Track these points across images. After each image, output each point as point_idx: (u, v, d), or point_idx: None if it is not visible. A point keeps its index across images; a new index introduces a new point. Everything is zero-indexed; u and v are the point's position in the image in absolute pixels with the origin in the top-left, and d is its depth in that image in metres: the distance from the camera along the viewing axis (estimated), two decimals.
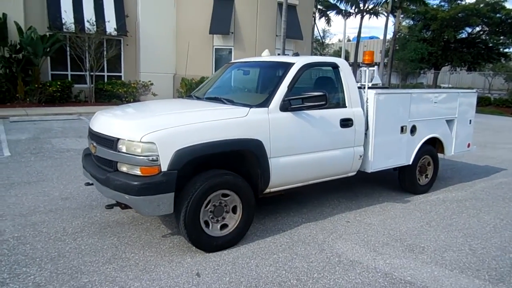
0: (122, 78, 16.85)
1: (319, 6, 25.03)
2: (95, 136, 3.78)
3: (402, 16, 29.84)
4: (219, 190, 3.57)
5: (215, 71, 17.16)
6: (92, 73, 15.05)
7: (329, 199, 5.23)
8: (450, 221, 4.62)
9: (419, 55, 26.86)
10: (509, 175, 6.99)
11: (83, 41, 14.53)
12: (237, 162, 3.85)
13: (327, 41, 40.01)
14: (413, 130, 5.19)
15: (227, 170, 3.66)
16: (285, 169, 4.00)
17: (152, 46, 16.96)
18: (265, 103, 3.92)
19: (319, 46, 40.03)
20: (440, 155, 5.86)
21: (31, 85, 13.70)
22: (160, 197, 3.28)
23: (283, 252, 3.69)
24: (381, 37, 29.67)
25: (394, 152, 5.00)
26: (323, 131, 4.23)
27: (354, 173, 4.76)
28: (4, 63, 13.41)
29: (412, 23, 31.52)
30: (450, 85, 31.70)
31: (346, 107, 4.49)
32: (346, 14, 24.83)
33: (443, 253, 3.78)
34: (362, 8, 23.63)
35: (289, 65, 4.22)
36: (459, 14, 26.78)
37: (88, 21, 14.99)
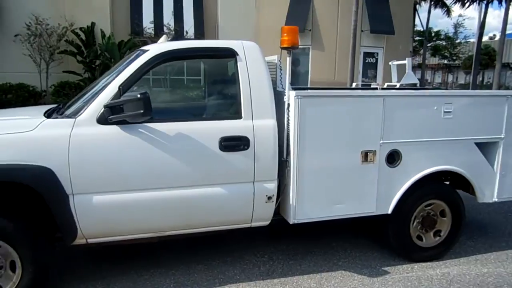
0: (201, 82, 16.75)
1: None
2: None
3: None
4: None
5: (290, 74, 15.74)
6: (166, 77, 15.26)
7: (254, 252, 3.53)
8: None
9: None
10: None
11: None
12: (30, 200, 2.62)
13: (460, 38, 34.02)
14: (394, 157, 3.13)
15: None
16: (108, 213, 2.60)
17: None
18: (75, 112, 2.61)
19: (449, 45, 34.49)
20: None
21: None
22: None
23: None
24: None
25: (346, 194, 3.05)
26: (184, 156, 2.67)
27: (266, 222, 3.01)
28: (86, 68, 14.47)
29: None
30: None
31: (240, 118, 2.82)
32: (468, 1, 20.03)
33: None
34: None
35: (138, 55, 2.81)
36: None
37: (165, 25, 15.23)
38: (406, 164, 3.16)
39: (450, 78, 38.94)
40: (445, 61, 35.09)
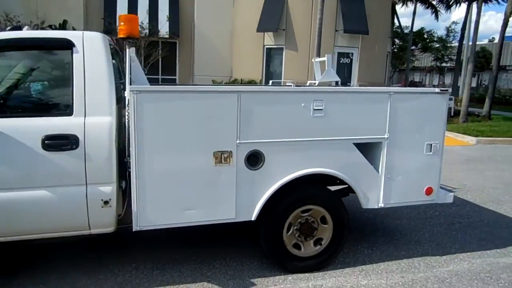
0: (177, 81, 16.54)
1: None
2: None
3: None
4: None
5: (265, 73, 15.52)
6: None
7: (124, 260, 3.27)
8: None
9: None
10: None
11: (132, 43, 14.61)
12: None
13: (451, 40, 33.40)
14: (256, 159, 2.88)
15: None
16: None
17: (208, 48, 16.25)
18: None
19: (443, 47, 33.83)
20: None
21: None
22: None
23: None
24: None
25: (199, 198, 2.79)
26: None
27: (108, 229, 2.76)
28: None
29: None
30: None
31: (71, 114, 2.58)
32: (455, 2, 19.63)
33: None
34: None
35: None
36: None
37: (139, 24, 15.02)
38: (271, 166, 2.90)
39: (448, 80, 38.49)
40: (438, 63, 34.64)
